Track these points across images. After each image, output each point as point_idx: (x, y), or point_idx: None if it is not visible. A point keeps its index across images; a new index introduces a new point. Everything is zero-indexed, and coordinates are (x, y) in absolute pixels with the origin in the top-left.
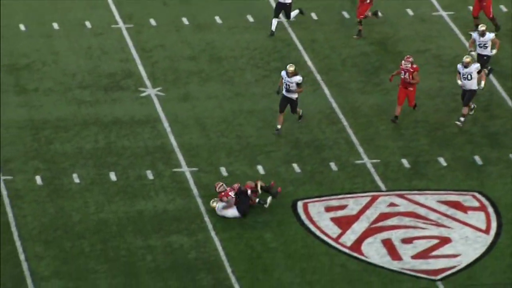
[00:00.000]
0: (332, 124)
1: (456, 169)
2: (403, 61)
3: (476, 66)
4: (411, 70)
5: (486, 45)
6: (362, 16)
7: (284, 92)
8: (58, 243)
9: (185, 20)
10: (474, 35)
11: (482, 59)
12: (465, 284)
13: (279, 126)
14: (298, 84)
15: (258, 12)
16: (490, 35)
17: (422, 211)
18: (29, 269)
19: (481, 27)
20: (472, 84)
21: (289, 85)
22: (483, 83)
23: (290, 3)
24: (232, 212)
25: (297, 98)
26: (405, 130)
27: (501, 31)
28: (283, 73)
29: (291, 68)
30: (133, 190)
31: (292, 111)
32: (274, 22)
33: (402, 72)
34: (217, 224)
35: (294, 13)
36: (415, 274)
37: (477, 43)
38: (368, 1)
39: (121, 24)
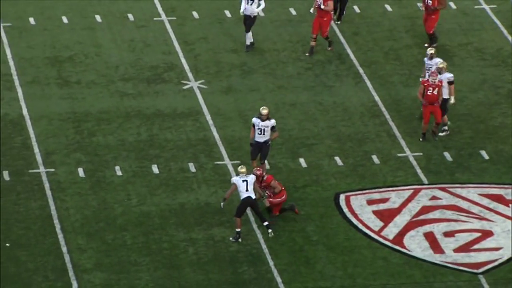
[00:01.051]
0: (375, 117)
1: (498, 163)
2: (430, 77)
3: (448, 76)
4: (439, 84)
5: (431, 69)
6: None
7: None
8: (100, 236)
9: (227, 13)
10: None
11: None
12: (507, 277)
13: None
14: (272, 128)
15: (300, 5)
16: (437, 60)
17: (464, 204)
18: (71, 261)
19: (430, 50)
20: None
21: (263, 129)
22: (453, 98)
23: (255, 16)
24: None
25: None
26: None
27: None
28: (255, 119)
29: (264, 111)
30: (175, 182)
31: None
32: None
33: (430, 88)
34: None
35: (248, 39)
36: (457, 267)
37: (426, 66)
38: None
39: (163, 16)
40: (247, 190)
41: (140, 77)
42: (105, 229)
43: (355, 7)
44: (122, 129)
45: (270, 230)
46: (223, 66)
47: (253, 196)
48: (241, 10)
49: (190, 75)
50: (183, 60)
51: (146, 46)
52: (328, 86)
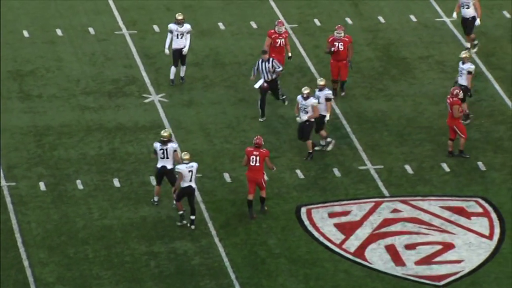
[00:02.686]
0: (336, 129)
1: (460, 175)
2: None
3: (314, 101)
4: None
5: (307, 110)
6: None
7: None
8: (62, 249)
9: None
10: (299, 97)
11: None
12: None
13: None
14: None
15: (261, 18)
16: (312, 100)
17: (425, 217)
18: (33, 275)
19: (305, 90)
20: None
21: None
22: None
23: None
24: None
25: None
26: (408, 136)
27: (505, 37)
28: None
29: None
30: (137, 196)
31: None
32: (173, 70)
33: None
34: (221, 230)
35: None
36: (419, 280)
37: (300, 106)
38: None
39: (124, 30)
40: (190, 180)
41: (101, 91)
42: (66, 243)
43: (316, 20)
44: (83, 142)
45: (193, 226)
46: (184, 79)
47: (194, 186)
48: (166, 46)
49: (151, 88)
50: (144, 74)
51: (107, 59)
52: (289, 99)
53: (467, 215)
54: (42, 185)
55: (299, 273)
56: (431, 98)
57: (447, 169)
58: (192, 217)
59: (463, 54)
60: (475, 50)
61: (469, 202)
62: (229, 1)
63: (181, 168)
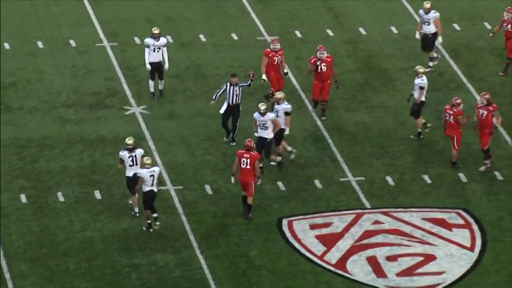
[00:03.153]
0: (317, 141)
1: (441, 187)
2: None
3: (272, 115)
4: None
5: (266, 125)
6: None
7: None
8: (43, 262)
9: (169, 38)
10: (255, 114)
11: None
12: None
13: None
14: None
15: (242, 30)
16: (270, 115)
17: (406, 228)
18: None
19: (262, 106)
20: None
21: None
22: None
23: (160, 62)
24: None
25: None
26: (389, 147)
27: (486, 49)
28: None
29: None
30: (118, 208)
31: None
32: (151, 83)
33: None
34: (202, 242)
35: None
36: None
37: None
38: None
39: (105, 42)
40: (152, 184)
41: (82, 103)
42: (48, 255)
43: (297, 32)
44: (64, 155)
45: (157, 223)
46: (165, 91)
47: (156, 190)
48: (147, 62)
49: (132, 100)
50: (125, 86)
51: (88, 72)
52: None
53: (449, 226)
54: (23, 197)
55: (280, 285)
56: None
57: (428, 181)
58: (155, 215)
59: (419, 69)
60: (432, 64)
61: (451, 213)
62: (210, 13)
63: (142, 172)
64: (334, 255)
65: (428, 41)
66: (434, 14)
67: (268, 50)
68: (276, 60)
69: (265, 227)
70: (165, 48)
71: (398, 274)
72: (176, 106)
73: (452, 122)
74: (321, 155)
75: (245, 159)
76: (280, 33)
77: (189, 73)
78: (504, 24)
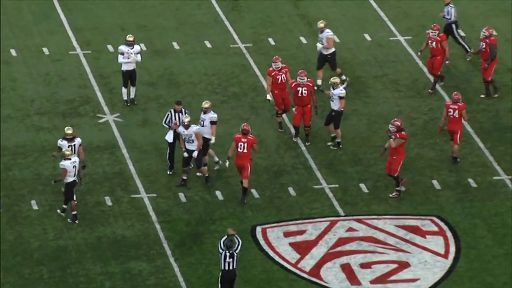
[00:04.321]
0: (291, 149)
1: (415, 194)
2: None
3: (195, 128)
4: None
5: (191, 139)
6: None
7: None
8: (17, 270)
9: (142, 46)
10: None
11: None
12: None
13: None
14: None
15: (215, 37)
16: (194, 128)
17: (380, 235)
18: None
19: (186, 119)
20: None
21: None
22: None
23: (134, 69)
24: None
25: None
26: (363, 155)
27: (458, 55)
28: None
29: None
30: (92, 216)
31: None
32: (124, 91)
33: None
34: (176, 250)
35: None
36: None
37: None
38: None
39: (79, 50)
40: (74, 175)
41: (55, 111)
42: (21, 264)
43: (270, 40)
44: (38, 163)
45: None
46: (138, 99)
47: (77, 180)
48: (123, 68)
49: (105, 108)
50: (99, 94)
51: (61, 80)
52: (244, 119)
53: (422, 233)
54: None
55: None
56: (386, 117)
57: (402, 188)
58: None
59: (332, 79)
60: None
61: (424, 220)
62: (183, 21)
63: (66, 164)
64: (308, 263)
65: (327, 60)
66: (327, 34)
67: (271, 69)
68: (280, 79)
69: (239, 235)
70: (139, 55)
71: (372, 282)
72: (149, 114)
73: (456, 116)
74: (294, 162)
75: (242, 143)
76: (253, 40)
77: (162, 80)
78: (430, 41)
